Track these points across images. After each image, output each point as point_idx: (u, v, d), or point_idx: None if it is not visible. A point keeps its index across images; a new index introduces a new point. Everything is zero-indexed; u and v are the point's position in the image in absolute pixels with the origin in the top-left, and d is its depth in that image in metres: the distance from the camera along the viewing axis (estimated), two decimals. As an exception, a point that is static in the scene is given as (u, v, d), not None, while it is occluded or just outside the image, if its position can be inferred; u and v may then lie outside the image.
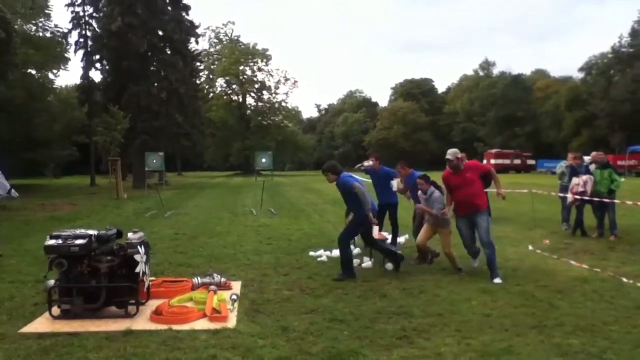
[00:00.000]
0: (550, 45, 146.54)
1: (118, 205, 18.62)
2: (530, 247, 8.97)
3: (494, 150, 54.52)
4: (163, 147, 28.19)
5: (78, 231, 5.27)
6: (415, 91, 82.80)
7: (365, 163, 9.11)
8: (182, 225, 12.67)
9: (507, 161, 53.06)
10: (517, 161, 54.17)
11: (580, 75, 62.98)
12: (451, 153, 6.97)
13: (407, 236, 9.71)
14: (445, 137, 75.09)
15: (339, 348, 4.29)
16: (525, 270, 7.16)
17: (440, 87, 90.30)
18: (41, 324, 4.93)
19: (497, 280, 6.46)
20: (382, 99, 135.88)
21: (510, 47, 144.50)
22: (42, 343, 4.40)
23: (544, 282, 6.46)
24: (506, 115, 67.51)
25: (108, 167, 24.74)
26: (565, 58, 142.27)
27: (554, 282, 6.46)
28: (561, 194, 11.19)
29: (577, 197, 10.07)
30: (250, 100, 69.31)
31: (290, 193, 24.64)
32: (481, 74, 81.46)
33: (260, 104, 68.98)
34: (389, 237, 8.75)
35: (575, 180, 10.25)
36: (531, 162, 55.05)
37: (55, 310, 5.11)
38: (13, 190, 9.07)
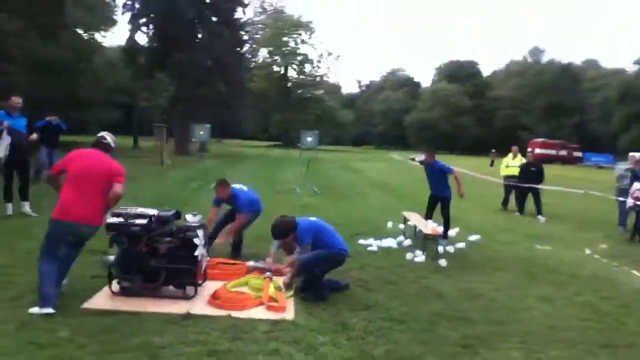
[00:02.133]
0: (602, 37, 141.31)
1: (162, 172, 18.82)
2: (588, 251, 8.65)
3: (539, 140, 52.87)
4: (205, 116, 28.30)
5: (139, 210, 5.25)
6: (460, 73, 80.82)
7: (417, 158, 9.27)
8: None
9: (553, 152, 51.52)
10: (563, 152, 52.63)
11: (635, 68, 60.46)
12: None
13: (457, 229, 9.51)
14: (488, 123, 73.44)
15: (402, 353, 4.18)
16: (586, 278, 6.86)
17: (486, 71, 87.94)
18: (102, 300, 4.96)
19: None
20: (425, 79, 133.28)
21: (561, 36, 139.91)
22: (104, 321, 4.40)
23: (607, 293, 6.18)
24: (554, 105, 65.51)
25: (152, 129, 25.07)
26: (619, 50, 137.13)
27: (617, 294, 6.18)
28: (620, 198, 10.77)
29: (639, 202, 9.69)
30: (292, 73, 69.11)
31: (330, 172, 24.40)
32: (530, 60, 79.06)
33: (301, 76, 68.65)
34: (440, 229, 8.58)
35: (637, 184, 9.87)
36: (578, 154, 53.43)
37: (115, 286, 5.13)
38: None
